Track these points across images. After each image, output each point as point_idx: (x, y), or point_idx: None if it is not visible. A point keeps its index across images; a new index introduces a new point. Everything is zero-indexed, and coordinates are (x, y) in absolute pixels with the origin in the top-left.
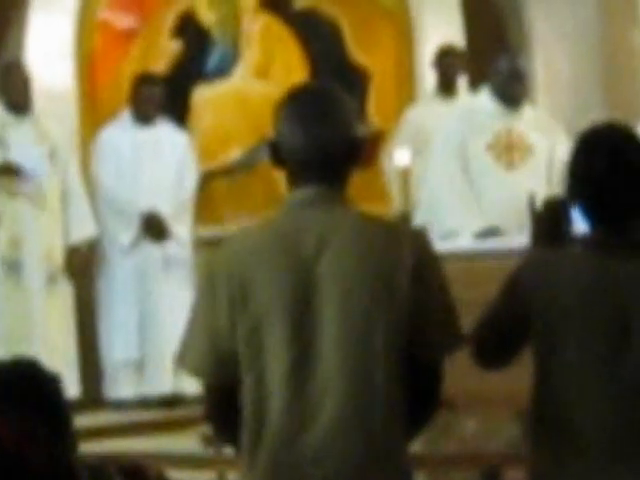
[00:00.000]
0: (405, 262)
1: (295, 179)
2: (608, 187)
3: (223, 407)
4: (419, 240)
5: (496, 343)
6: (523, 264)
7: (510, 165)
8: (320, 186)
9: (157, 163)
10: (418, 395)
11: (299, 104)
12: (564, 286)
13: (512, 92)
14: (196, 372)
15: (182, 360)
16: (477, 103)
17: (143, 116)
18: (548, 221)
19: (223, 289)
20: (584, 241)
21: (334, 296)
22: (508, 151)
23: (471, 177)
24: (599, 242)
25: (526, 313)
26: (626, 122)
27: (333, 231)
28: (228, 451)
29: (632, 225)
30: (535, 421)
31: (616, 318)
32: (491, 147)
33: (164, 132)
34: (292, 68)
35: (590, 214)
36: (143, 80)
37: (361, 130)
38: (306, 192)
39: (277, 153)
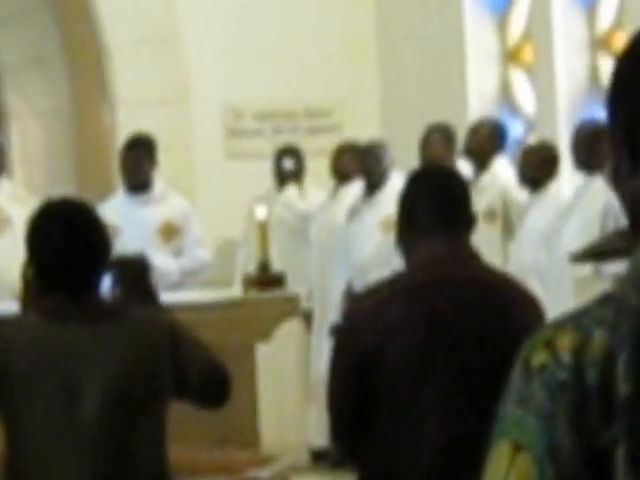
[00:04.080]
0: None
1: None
2: (62, 256)
3: None
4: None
5: None
6: None
7: None
8: None
9: None
10: None
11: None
12: (18, 354)
13: None
14: None
15: None
16: None
17: None
18: (132, 279)
19: None
20: (41, 309)
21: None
22: None
23: None
24: (55, 309)
25: None
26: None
27: None
28: None
29: (89, 289)
30: None
31: (67, 382)
32: None
33: None
34: None
35: (48, 282)
36: None
37: None
38: None
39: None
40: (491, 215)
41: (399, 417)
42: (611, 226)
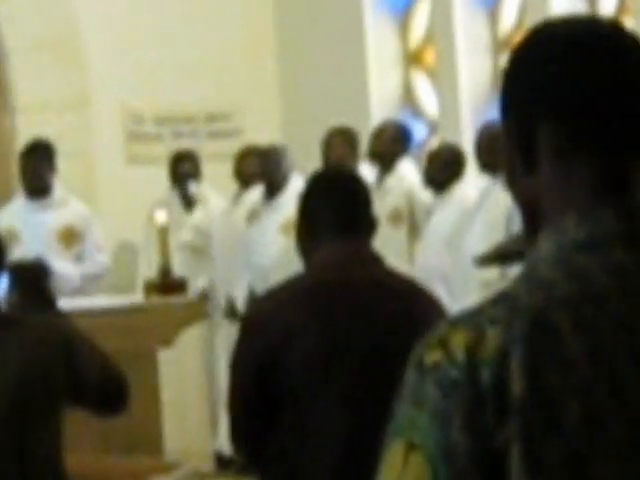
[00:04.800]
0: None
1: None
2: None
3: None
4: None
5: None
6: None
7: None
8: None
9: None
10: None
11: None
12: None
13: None
14: None
15: None
16: None
17: None
18: (29, 285)
19: None
20: None
21: None
22: None
23: None
24: None
25: None
26: None
27: None
28: None
29: None
30: None
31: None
32: None
33: None
34: None
35: None
36: None
37: None
38: None
39: None
40: (397, 217)
41: (301, 418)
42: (516, 228)
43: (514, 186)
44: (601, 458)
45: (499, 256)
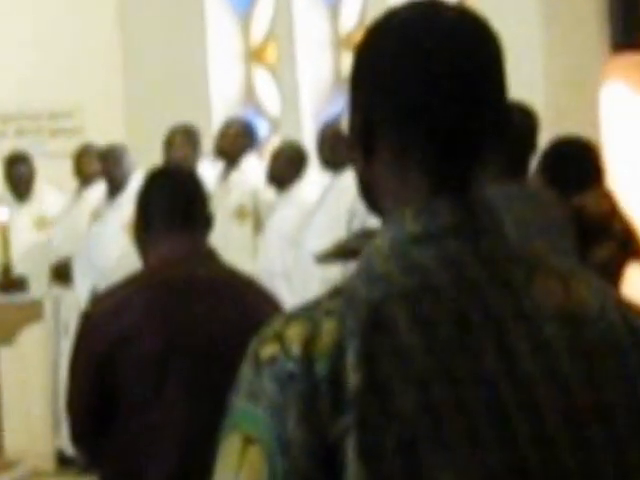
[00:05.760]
0: None
1: None
2: None
3: None
4: None
5: None
6: None
7: None
8: None
9: None
10: None
11: None
12: None
13: None
14: None
15: None
16: None
17: None
18: None
19: None
20: None
21: None
22: None
23: None
24: None
25: None
26: None
27: None
28: None
29: None
30: None
31: None
32: None
33: None
34: None
35: None
36: None
37: None
38: None
39: None
40: (241, 214)
41: (140, 416)
42: (357, 225)
43: (357, 177)
44: (434, 446)
45: (340, 253)
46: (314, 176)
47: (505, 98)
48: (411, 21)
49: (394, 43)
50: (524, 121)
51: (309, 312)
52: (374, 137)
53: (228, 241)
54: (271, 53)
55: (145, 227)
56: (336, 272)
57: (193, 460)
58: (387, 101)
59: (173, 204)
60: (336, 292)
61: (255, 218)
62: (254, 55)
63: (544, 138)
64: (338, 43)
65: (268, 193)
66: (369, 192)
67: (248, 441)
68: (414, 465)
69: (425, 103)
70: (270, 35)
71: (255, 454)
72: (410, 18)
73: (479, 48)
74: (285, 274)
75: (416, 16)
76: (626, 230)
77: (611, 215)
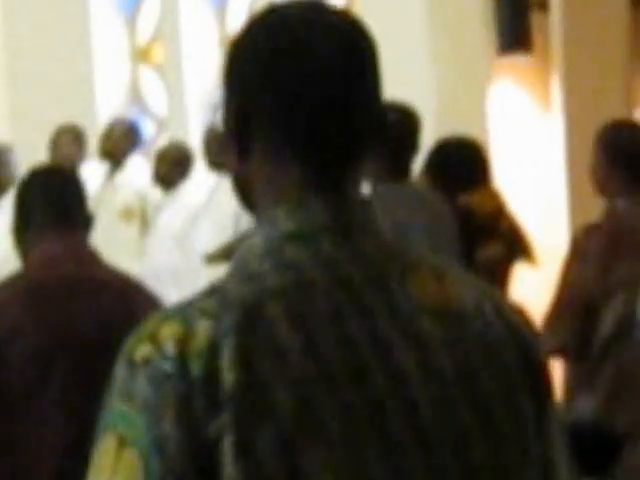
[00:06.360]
0: None
1: None
2: None
3: None
4: None
5: None
6: None
7: None
8: None
9: None
10: None
11: None
12: None
13: None
14: None
15: None
16: None
17: None
18: None
19: None
20: None
21: None
22: None
23: None
24: None
25: None
26: None
27: None
28: None
29: None
30: None
31: None
32: None
33: None
34: None
35: None
36: None
37: None
38: None
39: None
40: (128, 214)
41: (21, 417)
42: (244, 226)
43: (231, 174)
44: (312, 444)
45: (228, 254)
46: (201, 177)
47: (380, 99)
48: (291, 18)
49: (273, 39)
50: (403, 121)
51: (183, 312)
52: (249, 135)
53: (115, 242)
54: (158, 53)
55: (24, 229)
56: (223, 272)
57: (72, 463)
58: (263, 98)
59: (52, 205)
60: (210, 291)
61: (142, 219)
62: (140, 55)
63: (432, 139)
64: (225, 43)
65: (155, 194)
66: (244, 190)
67: (123, 443)
68: (292, 465)
69: (301, 101)
70: (157, 35)
71: (130, 456)
72: (290, 15)
73: (357, 49)
74: (173, 274)
75: (297, 14)
76: (513, 229)
77: (497, 215)
